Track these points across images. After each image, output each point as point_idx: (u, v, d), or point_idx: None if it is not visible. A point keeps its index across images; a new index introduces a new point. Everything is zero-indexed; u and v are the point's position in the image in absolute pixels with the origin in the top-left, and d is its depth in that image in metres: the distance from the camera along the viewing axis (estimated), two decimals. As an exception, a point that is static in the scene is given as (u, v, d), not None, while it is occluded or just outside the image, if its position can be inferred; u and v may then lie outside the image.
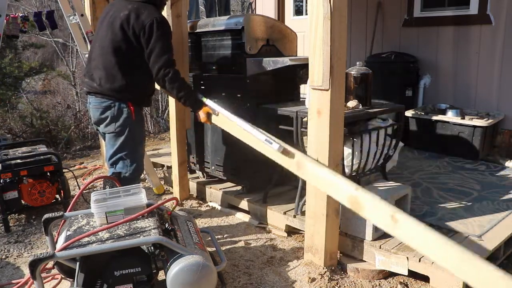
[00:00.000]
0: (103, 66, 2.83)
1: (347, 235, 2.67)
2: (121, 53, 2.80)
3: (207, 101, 2.96)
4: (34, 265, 1.92)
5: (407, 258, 2.41)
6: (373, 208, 1.96)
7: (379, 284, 2.49)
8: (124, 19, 2.77)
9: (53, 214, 2.26)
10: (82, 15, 4.24)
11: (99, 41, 2.87)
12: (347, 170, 2.85)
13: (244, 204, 3.39)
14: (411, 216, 1.83)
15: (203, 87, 3.66)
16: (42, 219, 2.24)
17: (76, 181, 4.27)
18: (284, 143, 2.47)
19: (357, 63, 3.07)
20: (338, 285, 2.46)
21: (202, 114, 2.95)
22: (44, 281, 2.28)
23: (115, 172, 2.93)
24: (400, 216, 1.84)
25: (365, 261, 2.59)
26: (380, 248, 2.52)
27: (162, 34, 2.76)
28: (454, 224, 2.78)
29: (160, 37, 2.75)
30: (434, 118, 4.43)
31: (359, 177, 3.06)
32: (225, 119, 2.88)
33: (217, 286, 2.19)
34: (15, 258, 2.97)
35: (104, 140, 3.03)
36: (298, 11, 6.90)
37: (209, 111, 2.95)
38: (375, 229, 2.58)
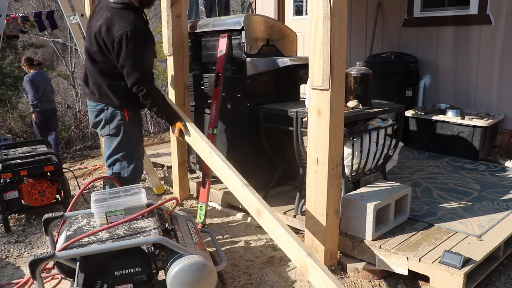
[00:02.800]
0: (91, 74, 2.81)
1: (347, 235, 2.67)
2: (100, 63, 2.73)
3: (187, 123, 2.97)
4: (34, 265, 1.92)
5: (407, 258, 2.41)
6: (319, 279, 2.06)
7: (379, 284, 2.49)
8: (97, 31, 2.66)
9: (53, 214, 2.26)
10: (82, 15, 4.25)
11: (88, 47, 2.80)
12: (347, 170, 2.86)
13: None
14: None
15: (203, 87, 3.66)
16: (42, 219, 2.24)
17: (76, 181, 4.27)
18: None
19: (357, 63, 3.07)
20: (338, 285, 2.46)
21: (175, 130, 2.97)
22: (44, 281, 2.28)
23: (115, 172, 2.94)
24: None
25: (365, 261, 2.59)
26: (380, 248, 2.52)
27: (132, 49, 2.60)
28: (454, 224, 2.78)
29: (129, 53, 2.60)
30: (434, 118, 4.43)
31: (359, 177, 3.06)
32: (196, 141, 2.89)
33: (217, 286, 2.19)
34: (15, 258, 2.97)
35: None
36: (298, 11, 6.90)
37: (181, 128, 2.95)
38: (375, 229, 2.58)
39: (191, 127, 2.94)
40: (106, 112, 2.84)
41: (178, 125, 2.96)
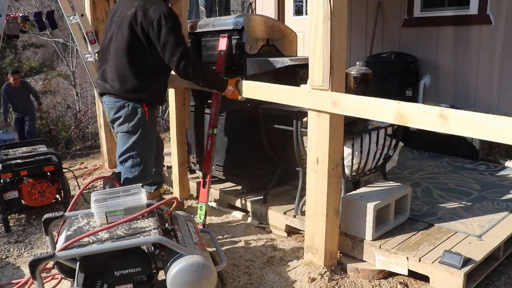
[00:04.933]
0: (115, 67, 2.84)
1: (347, 235, 2.67)
2: (132, 52, 2.80)
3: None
4: (34, 265, 1.92)
5: (407, 258, 2.41)
6: (420, 115, 1.99)
7: (379, 284, 2.49)
8: (132, 18, 2.76)
9: (53, 214, 2.26)
10: (82, 15, 4.25)
11: (113, 42, 2.86)
12: (347, 170, 2.86)
13: (244, 204, 3.39)
14: (457, 110, 1.88)
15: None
16: (42, 219, 2.24)
17: (76, 181, 4.27)
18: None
19: (357, 63, 3.07)
20: (338, 285, 2.46)
21: (230, 88, 2.89)
22: (44, 281, 2.28)
23: (115, 172, 2.95)
24: (447, 112, 1.88)
25: (365, 261, 2.59)
26: (380, 248, 2.52)
27: (171, 27, 2.74)
28: (454, 224, 2.78)
29: (170, 30, 2.73)
30: (434, 118, 4.43)
31: (359, 177, 3.06)
32: (252, 84, 2.84)
33: (217, 286, 2.19)
34: (15, 258, 2.97)
35: (116, 138, 3.05)
36: (298, 11, 6.90)
37: (236, 80, 2.91)
38: (375, 229, 2.58)
39: (242, 81, 2.89)
40: (126, 109, 2.87)
41: (231, 81, 2.89)
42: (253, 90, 2.86)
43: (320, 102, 2.37)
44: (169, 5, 2.95)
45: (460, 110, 1.90)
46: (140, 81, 2.83)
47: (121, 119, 2.89)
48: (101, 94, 3.00)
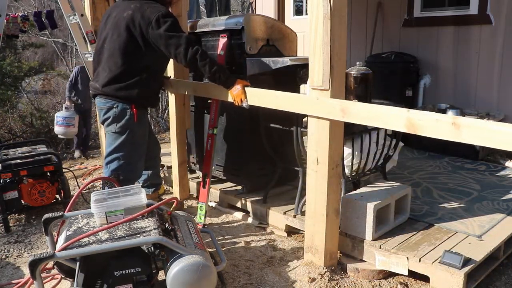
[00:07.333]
0: (109, 68, 2.85)
1: (347, 235, 2.67)
2: (127, 54, 2.81)
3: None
4: (34, 265, 1.92)
5: (407, 258, 2.41)
6: (431, 123, 2.00)
7: (379, 284, 2.49)
8: (129, 20, 2.77)
9: (53, 214, 2.26)
10: (82, 15, 4.25)
11: (107, 43, 2.87)
12: (347, 170, 2.86)
13: (244, 204, 3.39)
14: (470, 118, 1.88)
15: (203, 87, 3.65)
16: (42, 219, 2.24)
17: (76, 181, 4.27)
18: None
19: (357, 63, 3.07)
20: (338, 285, 2.46)
21: (238, 87, 2.76)
22: (44, 281, 2.28)
23: (113, 171, 2.94)
24: (460, 121, 1.89)
25: (365, 261, 2.59)
26: (380, 248, 2.52)
27: (171, 23, 2.75)
28: (454, 224, 2.77)
29: (171, 25, 2.75)
30: (434, 118, 4.42)
31: (359, 177, 3.06)
32: (260, 92, 2.73)
33: (217, 286, 2.19)
34: (15, 258, 2.97)
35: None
36: (298, 11, 6.90)
37: (246, 83, 2.80)
38: (375, 229, 2.58)
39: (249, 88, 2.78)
40: (115, 110, 2.88)
41: (241, 81, 2.79)
42: (258, 98, 2.76)
43: (329, 110, 2.35)
44: (168, 8, 2.96)
45: (473, 119, 1.88)
46: (133, 82, 2.85)
47: (109, 120, 2.91)
48: (94, 96, 3.01)
